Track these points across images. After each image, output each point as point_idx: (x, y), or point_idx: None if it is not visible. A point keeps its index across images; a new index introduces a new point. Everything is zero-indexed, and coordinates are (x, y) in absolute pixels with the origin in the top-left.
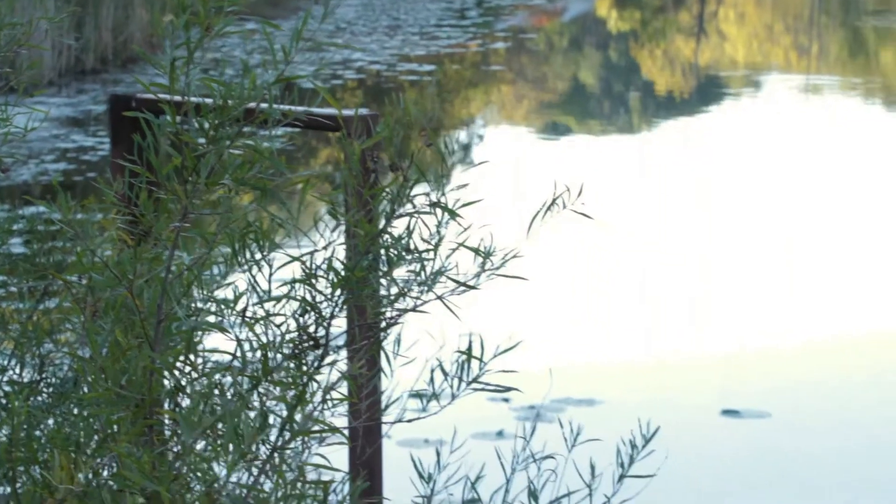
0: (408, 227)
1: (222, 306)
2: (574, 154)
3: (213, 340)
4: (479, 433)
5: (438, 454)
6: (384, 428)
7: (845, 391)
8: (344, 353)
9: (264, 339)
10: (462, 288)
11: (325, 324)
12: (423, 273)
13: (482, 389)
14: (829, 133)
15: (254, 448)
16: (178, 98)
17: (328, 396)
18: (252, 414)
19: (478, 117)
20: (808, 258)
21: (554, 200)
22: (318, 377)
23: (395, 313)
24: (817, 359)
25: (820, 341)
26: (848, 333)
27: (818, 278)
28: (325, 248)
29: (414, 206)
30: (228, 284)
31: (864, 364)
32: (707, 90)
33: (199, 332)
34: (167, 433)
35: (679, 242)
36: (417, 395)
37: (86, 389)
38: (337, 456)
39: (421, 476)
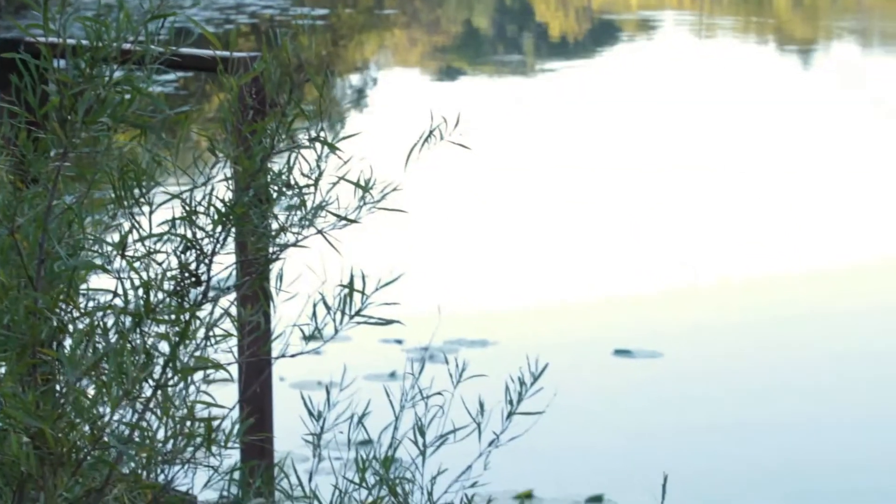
0: (288, 163)
1: (104, 245)
2: (465, 95)
3: (96, 281)
4: (372, 375)
5: (328, 392)
6: (274, 369)
7: (736, 333)
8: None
9: (145, 277)
10: (343, 222)
11: (206, 261)
12: (303, 208)
13: (365, 323)
14: (720, 73)
15: (137, 386)
16: (55, 40)
17: (211, 333)
18: (134, 352)
19: (371, 61)
20: (698, 200)
21: (431, 131)
22: (201, 314)
23: (276, 249)
24: (709, 301)
25: (711, 284)
26: (739, 276)
27: (709, 221)
28: (204, 184)
29: (293, 142)
30: (110, 225)
31: (754, 306)
32: (601, 33)
33: (82, 272)
34: (52, 373)
35: (571, 183)
36: (302, 330)
37: None
38: (228, 397)
39: (311, 414)
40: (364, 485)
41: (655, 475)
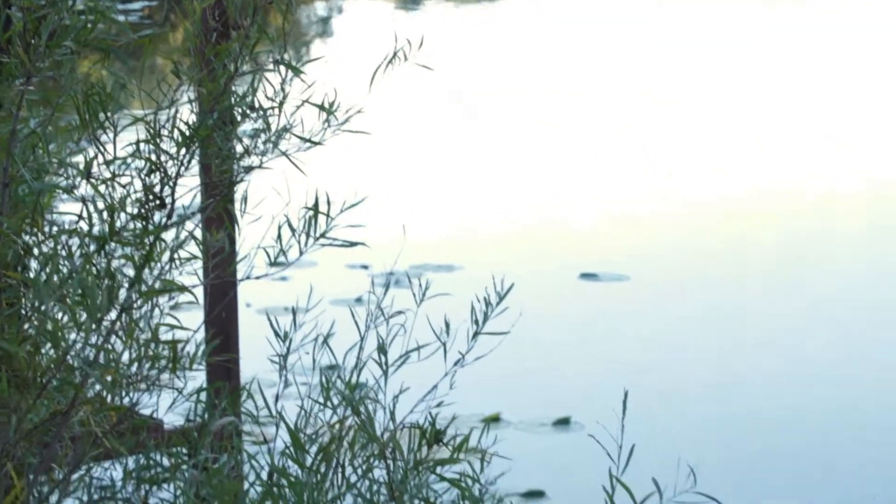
0: (251, 86)
1: (68, 169)
2: (430, 23)
3: (61, 205)
4: (339, 300)
5: (294, 313)
6: (240, 294)
7: (702, 256)
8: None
9: (110, 201)
10: (307, 144)
11: (170, 183)
12: (267, 130)
13: (330, 245)
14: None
15: (102, 309)
16: None
17: (176, 256)
18: (99, 275)
19: None
20: (664, 127)
21: (395, 53)
22: (165, 237)
23: (240, 171)
24: (675, 225)
25: (677, 208)
26: (703, 200)
27: (674, 147)
28: (168, 107)
29: (257, 65)
30: (75, 150)
31: (720, 230)
32: None
33: (46, 196)
34: (16, 297)
35: (537, 108)
36: (267, 253)
37: None
38: (193, 320)
39: (276, 335)
40: (329, 405)
41: (622, 397)
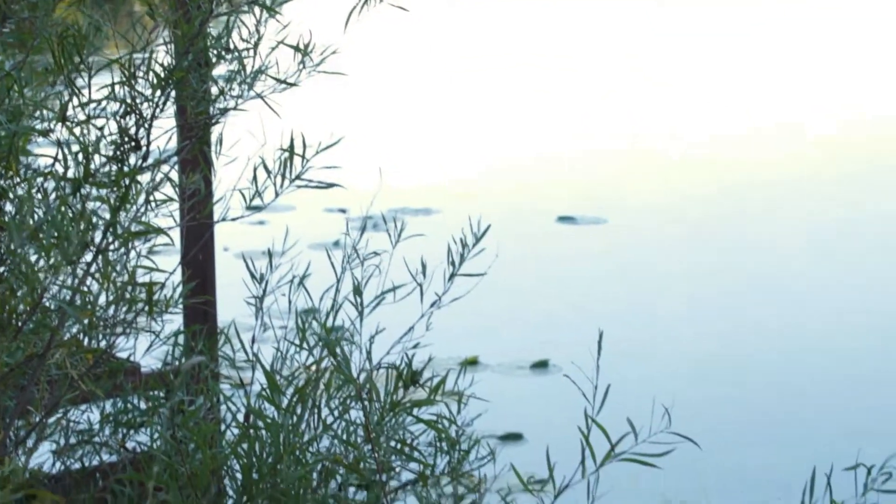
0: (227, 27)
1: (44, 111)
2: None
3: (36, 147)
4: (316, 244)
5: (270, 255)
6: (217, 239)
7: (680, 200)
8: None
9: (85, 143)
10: (283, 86)
11: (146, 125)
12: (243, 72)
13: (306, 186)
14: None
15: (78, 251)
16: None
17: (152, 198)
18: (75, 217)
19: None
20: (641, 81)
21: None
22: (141, 179)
23: (216, 112)
24: (653, 170)
25: (655, 154)
26: (682, 147)
27: (652, 99)
28: (143, 49)
29: (232, 5)
30: (50, 92)
31: (698, 174)
32: None
33: (22, 138)
34: None
35: (518, 51)
36: (242, 194)
37: None
38: (171, 264)
39: (253, 276)
40: (305, 346)
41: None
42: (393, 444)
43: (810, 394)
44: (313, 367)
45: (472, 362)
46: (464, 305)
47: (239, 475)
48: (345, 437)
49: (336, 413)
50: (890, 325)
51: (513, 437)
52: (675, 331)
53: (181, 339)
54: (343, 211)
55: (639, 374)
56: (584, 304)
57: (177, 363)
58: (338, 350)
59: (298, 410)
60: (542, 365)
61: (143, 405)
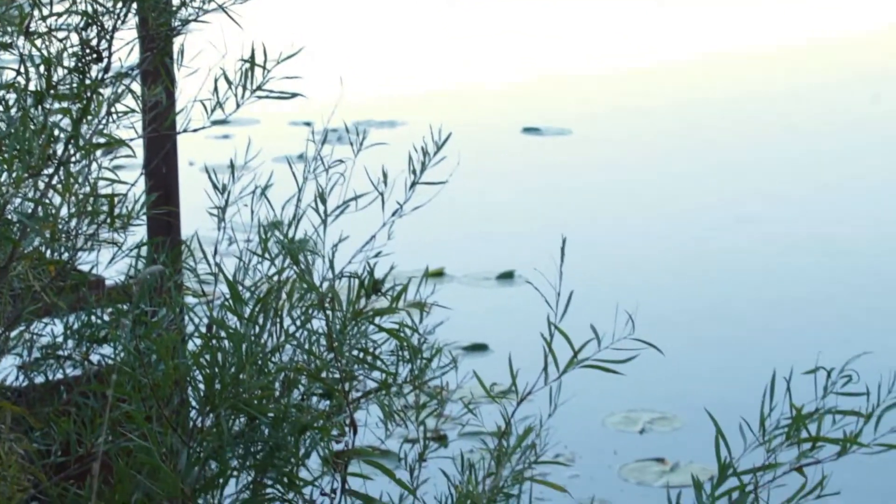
0: None
1: (5, 23)
2: None
3: None
4: (281, 157)
5: (233, 165)
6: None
7: (643, 113)
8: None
9: (47, 55)
10: None
11: (107, 37)
12: None
13: (267, 97)
14: None
15: (40, 163)
16: None
17: (114, 110)
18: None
19: None
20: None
21: None
22: (103, 91)
23: (177, 23)
24: (618, 82)
25: (619, 68)
26: (646, 61)
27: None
28: None
29: None
30: (11, 6)
31: (662, 86)
32: None
33: None
34: None
35: None
36: (204, 105)
37: None
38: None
39: (215, 187)
40: (267, 256)
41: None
42: (355, 353)
43: (776, 301)
44: (276, 278)
45: (437, 274)
46: (429, 218)
47: (202, 385)
48: (307, 346)
49: (298, 323)
50: (858, 236)
51: (478, 348)
52: (640, 241)
53: (144, 250)
54: (308, 124)
55: (603, 282)
56: (549, 215)
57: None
58: (300, 259)
59: (261, 320)
60: (507, 276)
61: (107, 318)
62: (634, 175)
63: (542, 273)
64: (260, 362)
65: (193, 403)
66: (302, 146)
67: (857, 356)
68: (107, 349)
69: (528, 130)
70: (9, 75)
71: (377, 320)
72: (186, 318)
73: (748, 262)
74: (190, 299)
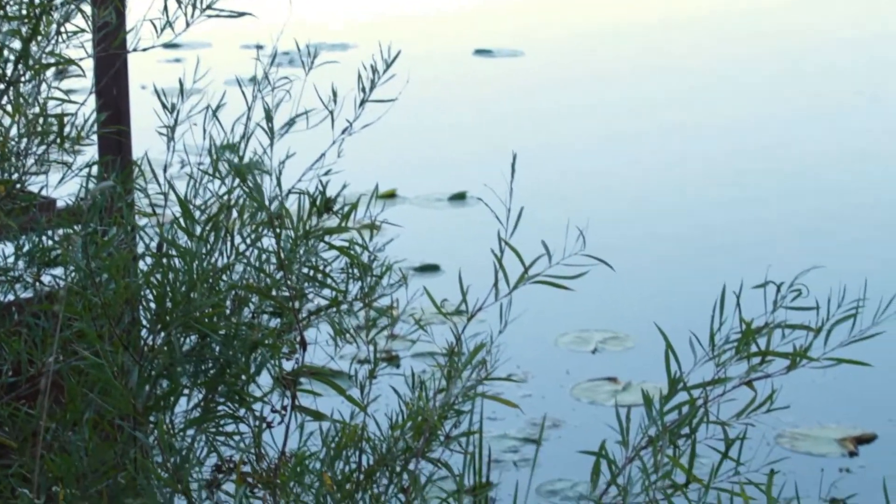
0: None
1: None
2: None
3: None
4: (232, 80)
5: (181, 84)
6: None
7: (598, 35)
8: None
9: None
10: None
11: None
12: None
13: (217, 16)
14: None
15: None
16: None
17: (63, 30)
18: None
19: None
20: None
21: None
22: (53, 11)
23: None
24: (570, 4)
25: None
26: None
27: None
28: None
29: None
30: None
31: (609, 5)
32: None
33: None
34: None
35: None
36: (154, 24)
37: None
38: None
39: (164, 106)
40: (217, 175)
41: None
42: (305, 271)
43: (723, 218)
44: (226, 196)
45: (389, 195)
46: (381, 139)
47: (152, 304)
48: (258, 264)
49: (249, 241)
50: (805, 152)
51: (430, 269)
52: (591, 161)
53: (94, 170)
54: (260, 47)
55: (554, 203)
56: (501, 137)
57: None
58: (248, 177)
59: (211, 239)
60: (459, 197)
61: (57, 240)
62: (585, 97)
63: (493, 190)
64: (211, 281)
65: (145, 323)
66: (254, 69)
67: (807, 270)
68: (58, 270)
69: (479, 52)
70: None
71: (327, 238)
72: (137, 237)
73: (699, 181)
74: (141, 221)
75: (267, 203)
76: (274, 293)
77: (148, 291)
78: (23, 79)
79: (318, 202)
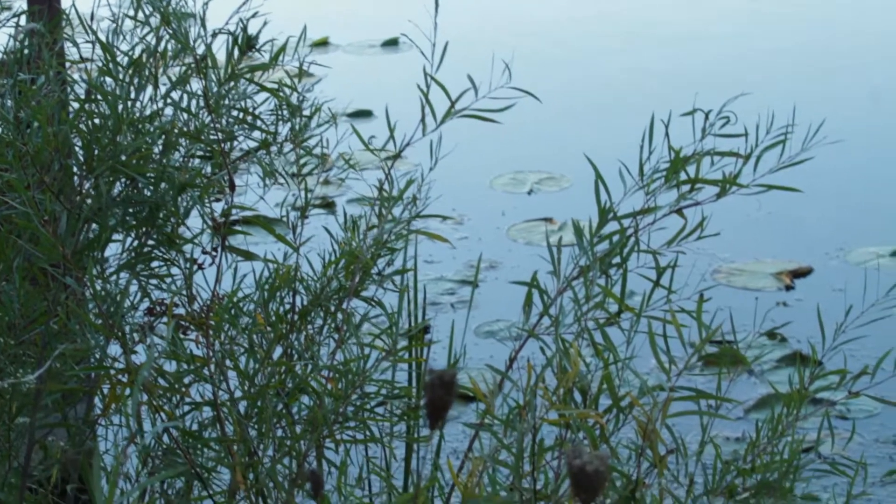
0: None
1: None
2: None
3: None
4: None
5: None
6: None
7: None
8: None
9: None
10: None
11: None
12: None
13: None
14: None
15: None
16: None
17: None
18: None
19: None
20: None
21: None
22: None
23: None
24: None
25: None
26: None
27: None
28: None
29: None
30: None
31: None
32: None
33: None
34: None
35: None
36: None
37: None
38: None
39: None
40: (137, 19)
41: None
42: (235, 113)
43: (656, 67)
44: (154, 41)
45: (322, 43)
46: None
47: (81, 151)
48: (185, 106)
49: (176, 83)
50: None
51: (362, 114)
52: (520, 4)
53: (22, 20)
54: None
55: (482, 44)
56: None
57: (15, 41)
58: (172, 19)
59: (136, 82)
60: (392, 43)
61: None
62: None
63: (423, 31)
64: (139, 125)
65: (74, 169)
66: None
67: (734, 97)
68: None
69: None
70: None
71: (256, 78)
72: (66, 86)
73: (634, 27)
74: (73, 73)
75: (192, 45)
76: (203, 137)
77: (77, 138)
78: None
79: (241, 41)
